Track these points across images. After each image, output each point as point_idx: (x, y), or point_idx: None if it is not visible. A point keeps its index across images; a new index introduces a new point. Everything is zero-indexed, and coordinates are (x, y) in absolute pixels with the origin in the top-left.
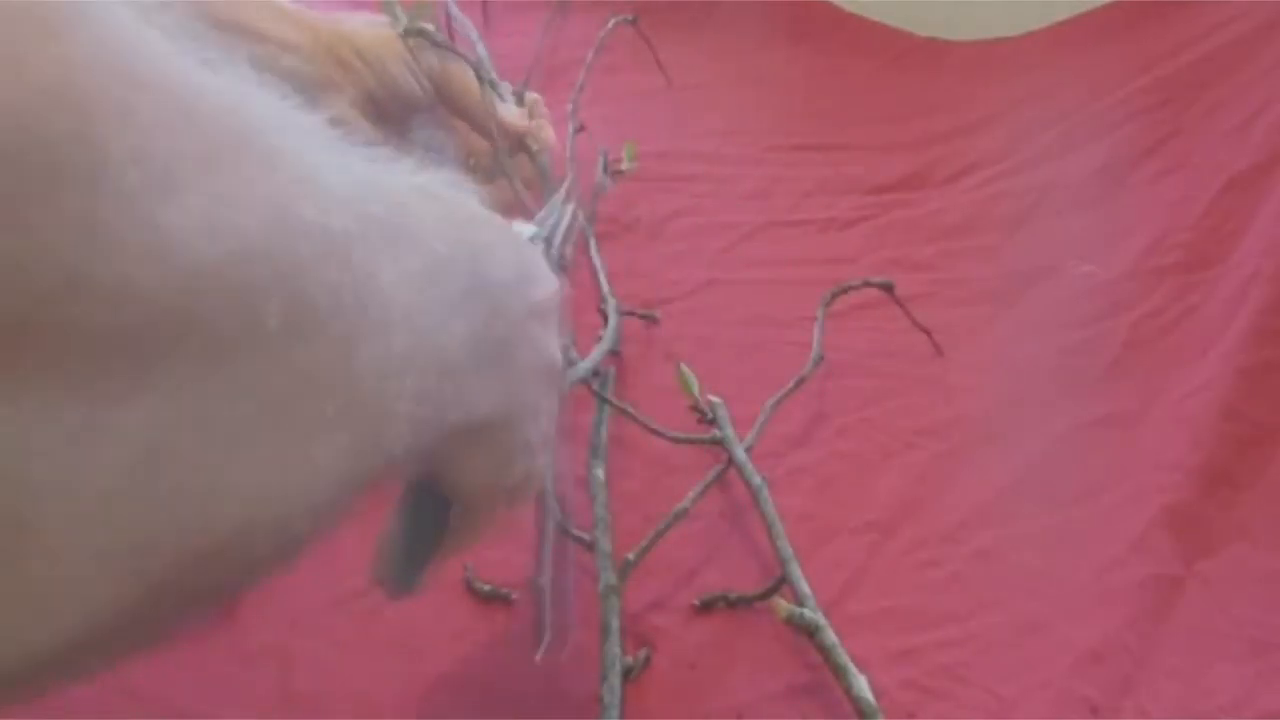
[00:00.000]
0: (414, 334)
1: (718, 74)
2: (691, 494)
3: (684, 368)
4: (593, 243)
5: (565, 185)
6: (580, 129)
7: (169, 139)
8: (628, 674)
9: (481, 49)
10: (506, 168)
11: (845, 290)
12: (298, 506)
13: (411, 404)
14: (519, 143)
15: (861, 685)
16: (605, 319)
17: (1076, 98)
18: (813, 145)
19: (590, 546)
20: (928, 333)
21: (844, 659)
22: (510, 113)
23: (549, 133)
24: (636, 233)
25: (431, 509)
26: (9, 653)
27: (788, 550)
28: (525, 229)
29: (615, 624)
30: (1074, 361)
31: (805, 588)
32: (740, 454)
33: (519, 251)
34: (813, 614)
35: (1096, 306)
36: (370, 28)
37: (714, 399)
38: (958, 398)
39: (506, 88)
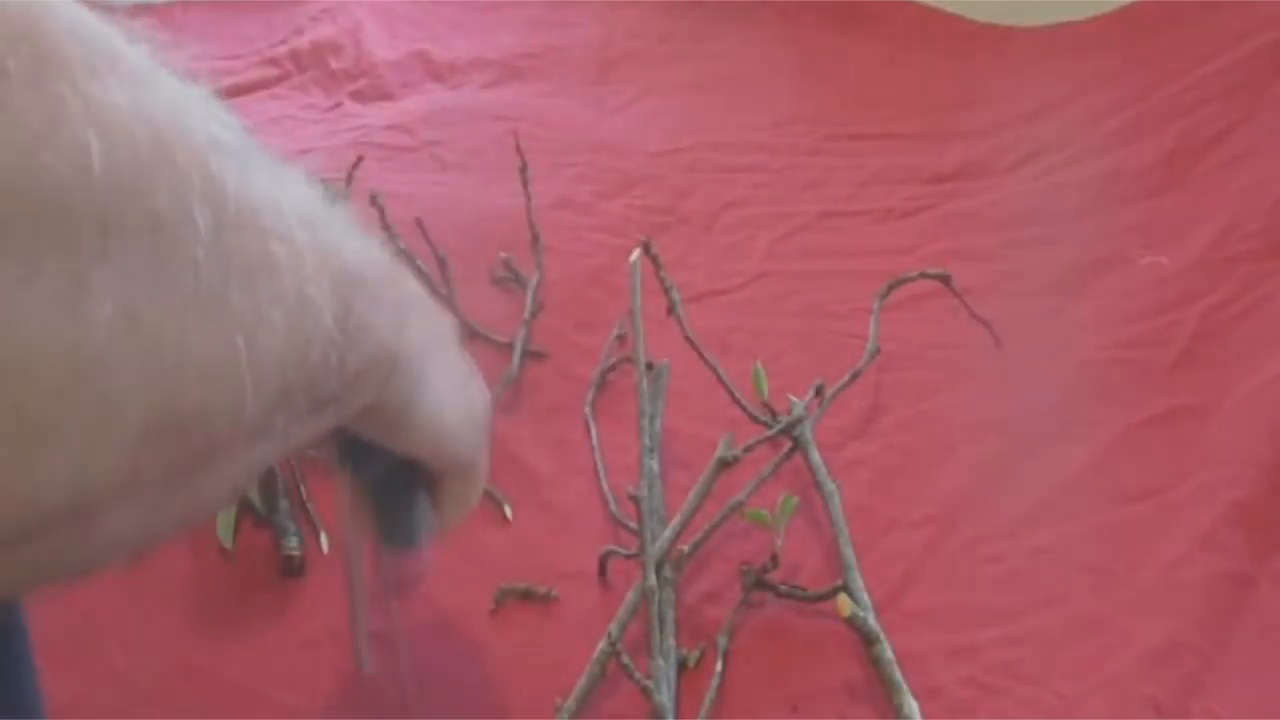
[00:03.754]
0: (316, 241)
1: (774, 63)
2: (748, 486)
3: (758, 366)
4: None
5: None
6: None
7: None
8: (683, 666)
9: None
10: None
11: (901, 283)
12: (248, 386)
13: (330, 299)
14: None
15: (912, 709)
16: None
17: (1143, 83)
18: (870, 134)
19: (642, 538)
20: (986, 324)
21: (898, 676)
22: None
23: None
24: (691, 224)
25: (403, 486)
26: (5, 503)
27: (851, 557)
28: None
29: (670, 616)
30: (1140, 354)
31: (865, 598)
32: (815, 456)
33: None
34: (874, 624)
35: (1164, 297)
36: None
37: (794, 399)
38: (1019, 391)
39: None
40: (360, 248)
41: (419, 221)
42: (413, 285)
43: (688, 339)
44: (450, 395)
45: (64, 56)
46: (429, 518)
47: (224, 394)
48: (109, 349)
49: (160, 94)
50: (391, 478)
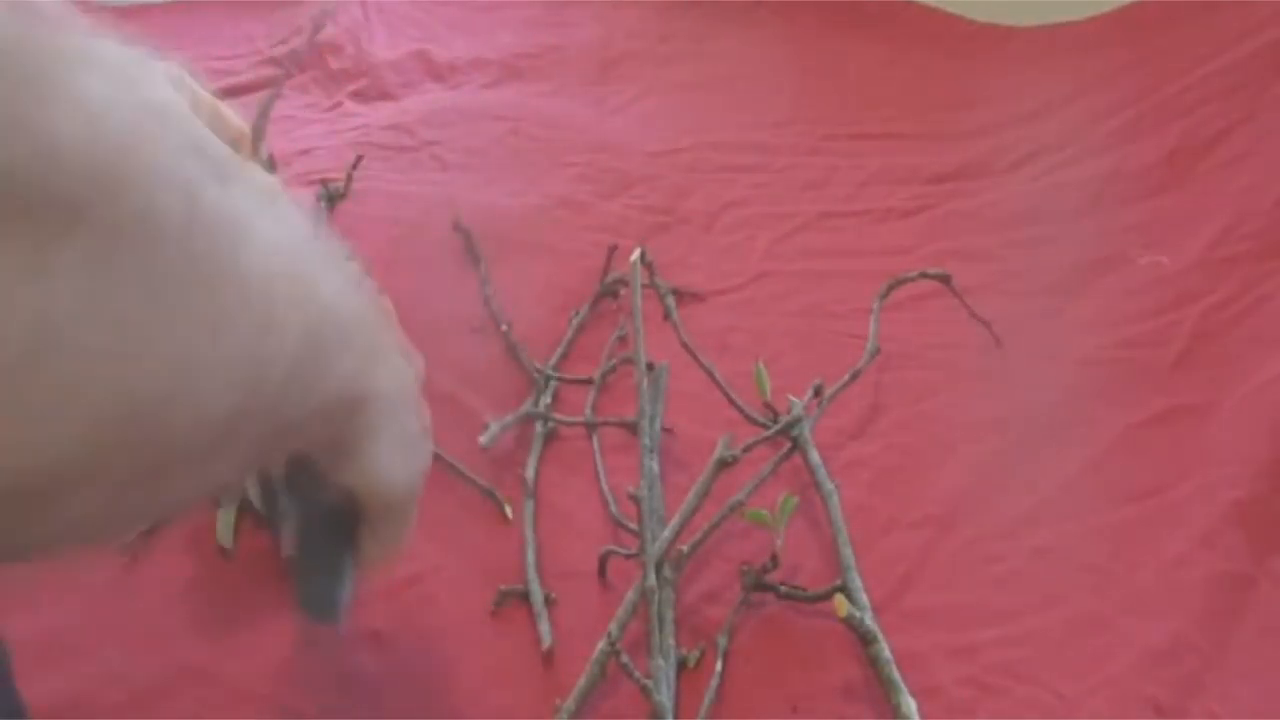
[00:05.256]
0: (291, 268)
1: (774, 63)
2: (747, 486)
3: (760, 366)
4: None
5: None
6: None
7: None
8: (683, 666)
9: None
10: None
11: (901, 283)
12: (207, 387)
13: (298, 326)
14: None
15: (910, 707)
16: None
17: (1143, 83)
18: (870, 134)
19: (642, 538)
20: (987, 324)
21: (896, 675)
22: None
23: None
24: (691, 224)
25: (334, 539)
26: None
27: (849, 557)
28: None
29: (669, 616)
30: (1140, 354)
31: (863, 598)
32: (815, 456)
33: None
34: (871, 623)
35: (1164, 297)
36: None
37: (794, 399)
38: (1018, 391)
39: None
40: (339, 288)
41: (456, 224)
42: (388, 334)
43: (684, 345)
44: (399, 446)
45: (51, 49)
46: (349, 590)
47: (183, 390)
48: (71, 325)
49: (147, 95)
50: (323, 529)
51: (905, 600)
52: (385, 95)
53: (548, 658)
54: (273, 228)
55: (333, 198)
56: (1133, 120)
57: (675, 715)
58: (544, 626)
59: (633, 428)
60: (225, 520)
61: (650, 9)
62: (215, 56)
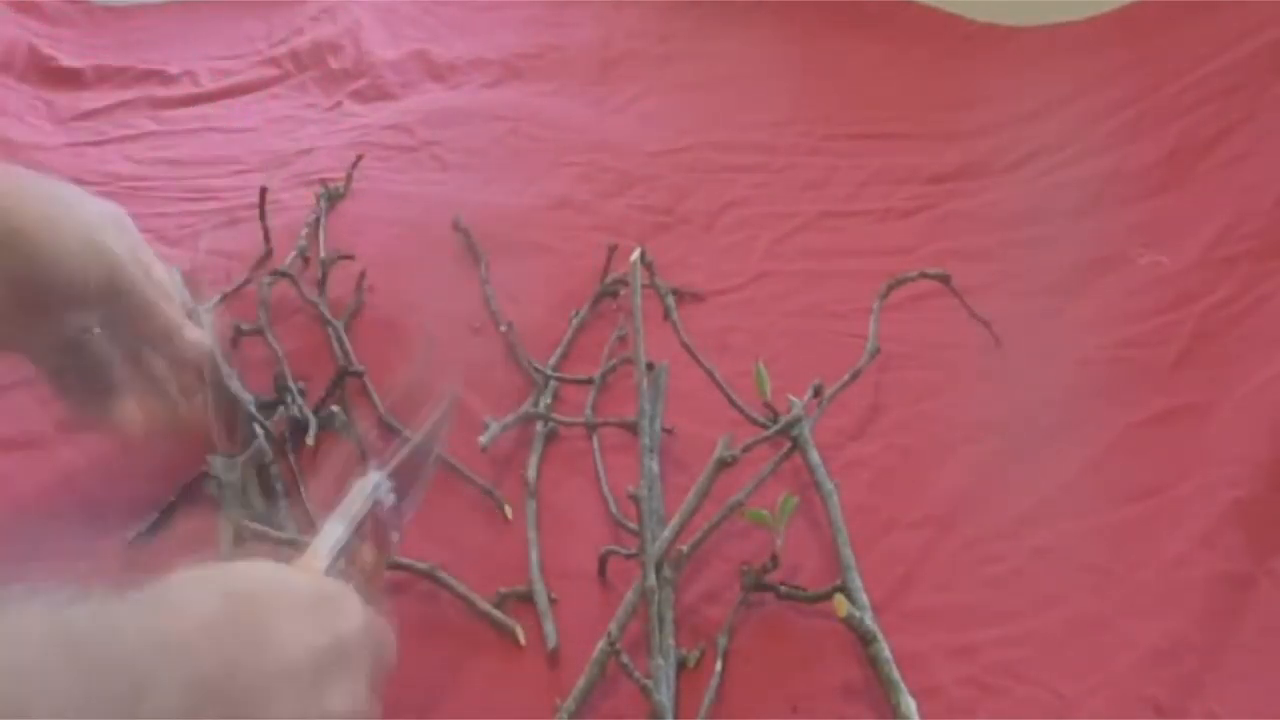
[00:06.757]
0: None
1: (774, 63)
2: (747, 486)
3: (760, 366)
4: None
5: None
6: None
7: None
8: (683, 666)
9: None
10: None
11: (901, 283)
12: None
13: None
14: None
15: (910, 706)
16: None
17: (1143, 83)
18: (870, 134)
19: (642, 538)
20: (987, 324)
21: (895, 675)
22: (195, 336)
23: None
24: (691, 224)
25: None
26: None
27: (849, 557)
28: (328, 539)
29: (669, 616)
30: (1140, 353)
31: (863, 598)
32: (814, 456)
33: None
34: (871, 624)
35: (1164, 297)
36: (45, 201)
37: (794, 399)
38: (1018, 391)
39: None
40: None
41: (456, 224)
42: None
43: (684, 345)
44: None
45: None
46: None
47: None
48: None
49: None
50: None
51: (905, 600)
52: (385, 95)
53: (549, 658)
54: None
55: (333, 198)
56: (1133, 120)
57: (675, 715)
58: (549, 627)
59: (633, 428)
60: (226, 528)
61: (650, 9)
62: (215, 56)
